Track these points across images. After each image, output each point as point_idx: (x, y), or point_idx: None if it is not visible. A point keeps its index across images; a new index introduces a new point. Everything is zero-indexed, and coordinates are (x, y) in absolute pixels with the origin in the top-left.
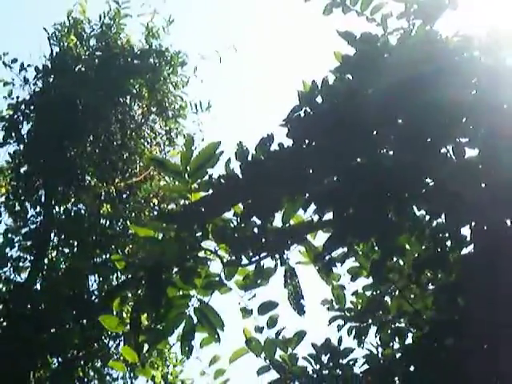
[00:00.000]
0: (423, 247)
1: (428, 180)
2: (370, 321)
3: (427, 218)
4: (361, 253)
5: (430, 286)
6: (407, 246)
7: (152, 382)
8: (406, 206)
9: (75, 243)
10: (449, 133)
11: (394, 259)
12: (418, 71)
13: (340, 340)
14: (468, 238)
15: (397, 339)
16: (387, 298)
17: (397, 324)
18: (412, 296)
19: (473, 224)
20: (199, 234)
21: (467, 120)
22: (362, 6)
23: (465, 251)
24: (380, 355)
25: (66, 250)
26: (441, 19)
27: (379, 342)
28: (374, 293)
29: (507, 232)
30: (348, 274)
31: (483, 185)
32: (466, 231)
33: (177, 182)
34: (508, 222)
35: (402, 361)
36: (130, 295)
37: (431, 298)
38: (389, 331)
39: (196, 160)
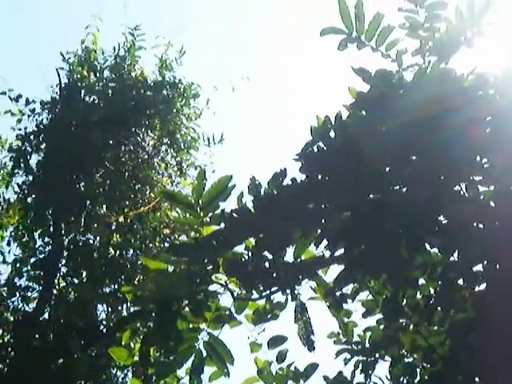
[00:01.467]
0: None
1: (441, 217)
2: (378, 355)
3: (440, 255)
4: (372, 289)
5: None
6: (422, 280)
7: None
8: (419, 243)
9: (84, 273)
10: (462, 171)
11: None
12: (432, 110)
13: (353, 374)
14: (481, 276)
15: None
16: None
17: (409, 359)
18: (426, 331)
19: (485, 262)
20: (210, 267)
21: (481, 158)
22: (377, 41)
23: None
24: None
25: (75, 280)
26: (456, 56)
27: (389, 377)
28: (387, 327)
29: None
30: (362, 308)
31: (496, 223)
32: (478, 268)
33: (188, 215)
34: None
35: None
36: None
37: (444, 335)
38: (399, 366)
39: (208, 193)
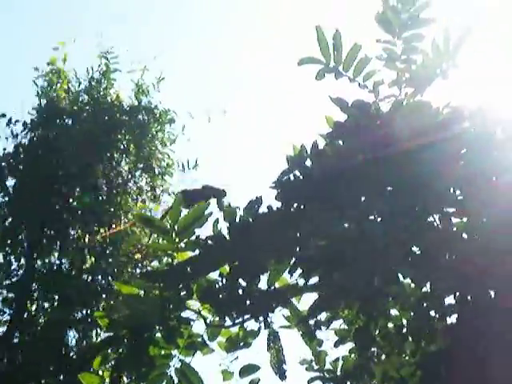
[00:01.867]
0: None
1: (414, 248)
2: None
3: (412, 286)
4: (346, 318)
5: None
6: (395, 312)
7: None
8: (392, 274)
9: (55, 297)
10: (436, 203)
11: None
12: (408, 142)
13: None
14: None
15: None
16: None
17: None
18: (398, 362)
19: (457, 294)
20: (184, 293)
21: (455, 190)
22: (354, 72)
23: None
24: None
25: (46, 304)
26: (432, 88)
27: None
28: (359, 356)
29: (491, 303)
30: (335, 336)
31: (468, 255)
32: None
33: (163, 240)
34: (492, 293)
35: None
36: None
37: (417, 370)
38: None
39: (184, 219)
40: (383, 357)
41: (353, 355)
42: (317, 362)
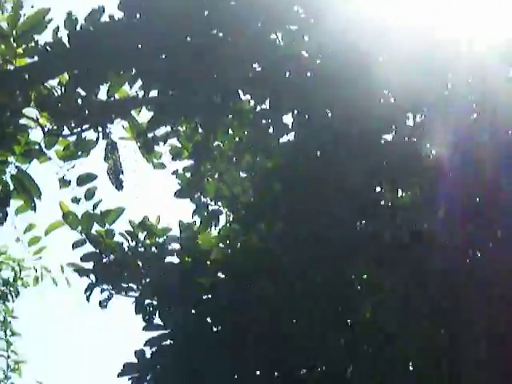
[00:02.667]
0: (245, 132)
1: (255, 65)
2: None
3: (252, 103)
4: (183, 134)
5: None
6: (230, 131)
7: None
8: (233, 90)
9: None
10: (280, 23)
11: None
12: None
13: (158, 218)
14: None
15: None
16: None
17: (214, 207)
18: (231, 180)
19: (295, 112)
20: (20, 99)
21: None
22: None
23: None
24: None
25: None
26: None
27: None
28: (193, 174)
29: (327, 121)
30: (169, 154)
31: (309, 74)
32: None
33: (1, 46)
34: (329, 112)
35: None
36: None
37: (249, 183)
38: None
39: (24, 24)
40: (216, 175)
41: (187, 173)
42: None
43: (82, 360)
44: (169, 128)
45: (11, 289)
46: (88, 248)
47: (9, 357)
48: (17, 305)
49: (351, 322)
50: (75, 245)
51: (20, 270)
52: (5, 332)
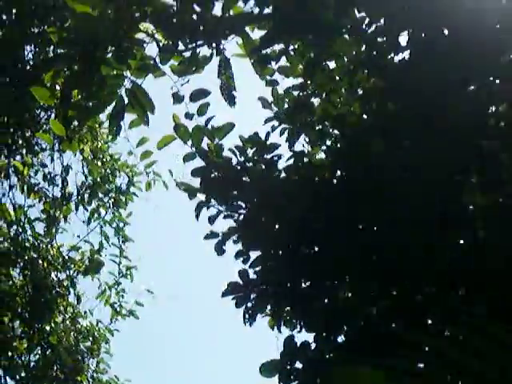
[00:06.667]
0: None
1: None
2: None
3: (367, 21)
4: (296, 52)
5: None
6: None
7: (81, 156)
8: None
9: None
10: None
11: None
12: None
13: (267, 135)
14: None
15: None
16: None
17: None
18: (338, 100)
19: (411, 31)
20: (137, 14)
21: None
22: None
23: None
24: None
25: (4, 17)
26: None
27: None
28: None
29: (443, 41)
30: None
31: None
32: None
33: None
34: (445, 30)
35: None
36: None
37: (357, 104)
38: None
39: None
40: (324, 94)
41: (295, 92)
42: (275, 102)
43: (190, 266)
44: (282, 45)
45: (125, 196)
46: (198, 163)
47: (120, 263)
48: (129, 211)
49: None
50: (186, 158)
51: (133, 176)
52: (118, 238)
